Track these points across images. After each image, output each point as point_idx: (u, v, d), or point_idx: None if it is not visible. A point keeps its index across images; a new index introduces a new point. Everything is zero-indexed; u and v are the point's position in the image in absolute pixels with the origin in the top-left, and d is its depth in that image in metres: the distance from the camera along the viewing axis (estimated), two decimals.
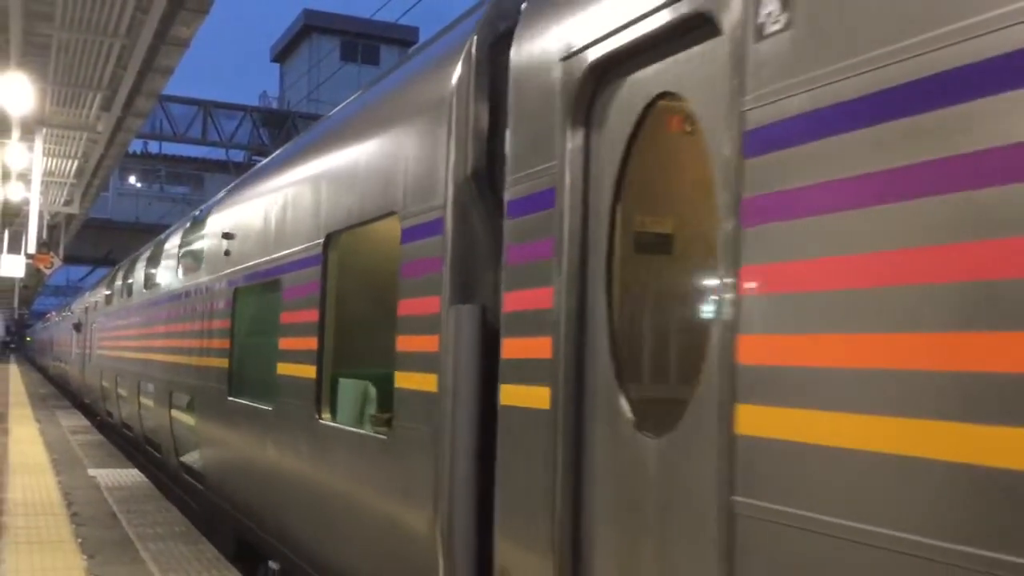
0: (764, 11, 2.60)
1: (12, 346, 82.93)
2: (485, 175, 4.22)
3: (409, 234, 4.66)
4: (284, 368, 6.55)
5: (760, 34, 2.61)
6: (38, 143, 16.78)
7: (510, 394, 3.80)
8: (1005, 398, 1.94)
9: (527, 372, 3.67)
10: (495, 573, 3.89)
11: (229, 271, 8.45)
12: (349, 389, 5.78)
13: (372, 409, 5.39)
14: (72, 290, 63.69)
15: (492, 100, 4.24)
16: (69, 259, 35.05)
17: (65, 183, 22.18)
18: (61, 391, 32.51)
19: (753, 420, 2.55)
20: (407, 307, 4.65)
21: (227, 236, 8.51)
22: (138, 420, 13.67)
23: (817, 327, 2.39)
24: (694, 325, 3.12)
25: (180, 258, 11.32)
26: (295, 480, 6.35)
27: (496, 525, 3.87)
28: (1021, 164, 1.94)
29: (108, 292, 19.60)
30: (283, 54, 58.22)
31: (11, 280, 28.42)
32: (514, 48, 3.99)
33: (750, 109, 2.62)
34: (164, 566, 6.95)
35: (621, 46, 3.25)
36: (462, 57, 4.33)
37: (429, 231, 4.44)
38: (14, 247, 25.51)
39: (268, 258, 7.21)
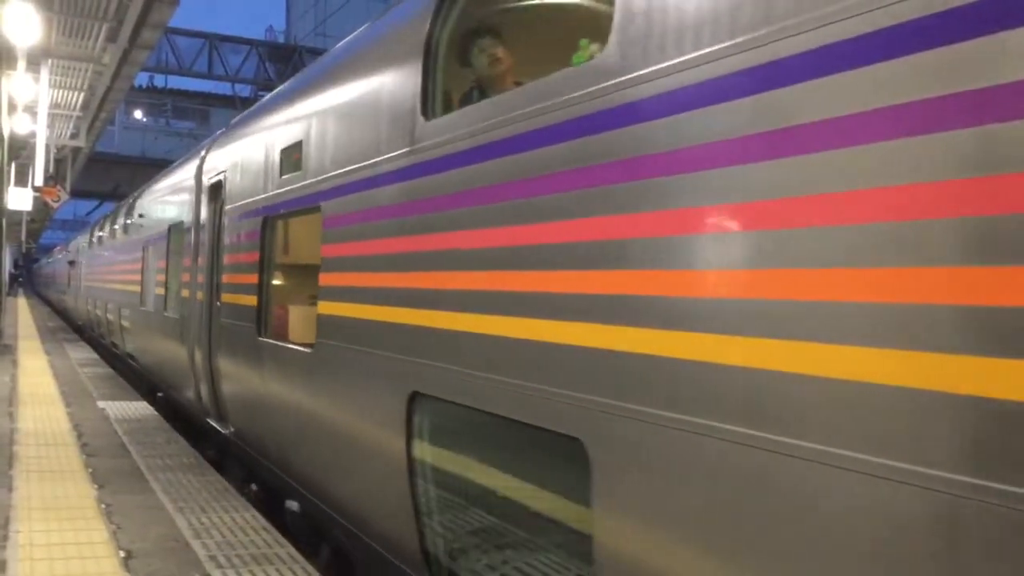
0: (224, 175, 8.64)
1: (20, 280, 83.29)
2: (207, 214, 9.26)
3: (188, 231, 10.23)
4: (157, 290, 12.51)
5: (216, 184, 8.91)
6: (44, 74, 16.62)
7: (199, 297, 9.18)
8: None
9: (202, 288, 9.04)
10: (197, 368, 9.22)
11: (143, 235, 14.45)
12: (171, 298, 11.34)
13: (177, 306, 10.65)
14: (79, 224, 63.64)
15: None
16: (76, 193, 34.93)
17: (71, 116, 22.02)
18: (69, 324, 32.71)
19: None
20: (186, 262, 10.08)
21: (141, 216, 15.09)
22: (107, 329, 19.69)
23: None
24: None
25: (125, 223, 17.50)
26: (158, 347, 12.32)
27: (197, 345, 9.16)
28: None
29: (88, 240, 27.08)
30: None
31: (19, 214, 28.38)
32: (204, 165, 9.63)
33: (226, 210, 8.40)
34: (174, 496, 7.02)
35: (217, 181, 8.75)
36: (197, 162, 10.03)
37: (190, 232, 9.98)
38: (20, 181, 25.45)
39: (153, 233, 13.36)
